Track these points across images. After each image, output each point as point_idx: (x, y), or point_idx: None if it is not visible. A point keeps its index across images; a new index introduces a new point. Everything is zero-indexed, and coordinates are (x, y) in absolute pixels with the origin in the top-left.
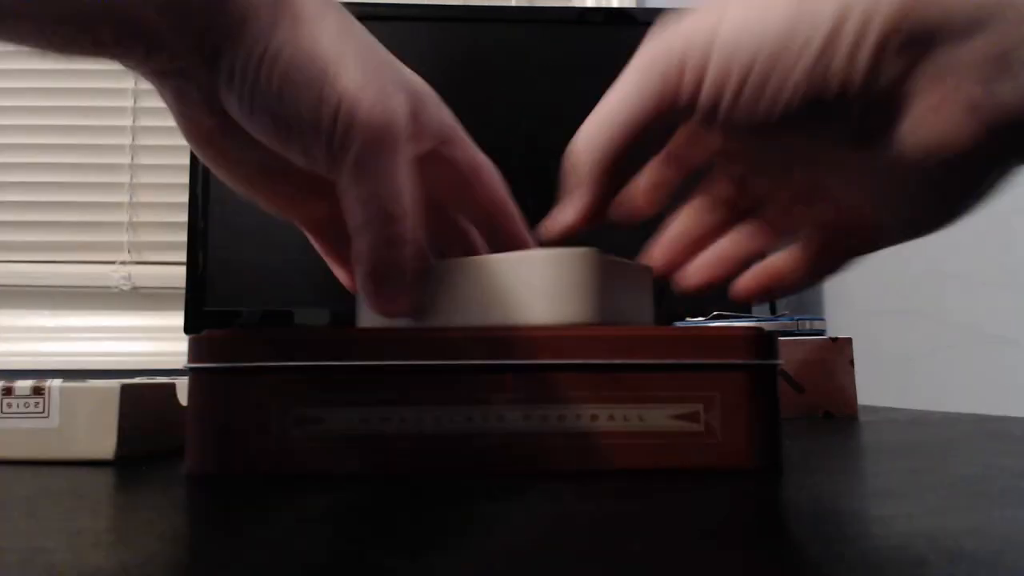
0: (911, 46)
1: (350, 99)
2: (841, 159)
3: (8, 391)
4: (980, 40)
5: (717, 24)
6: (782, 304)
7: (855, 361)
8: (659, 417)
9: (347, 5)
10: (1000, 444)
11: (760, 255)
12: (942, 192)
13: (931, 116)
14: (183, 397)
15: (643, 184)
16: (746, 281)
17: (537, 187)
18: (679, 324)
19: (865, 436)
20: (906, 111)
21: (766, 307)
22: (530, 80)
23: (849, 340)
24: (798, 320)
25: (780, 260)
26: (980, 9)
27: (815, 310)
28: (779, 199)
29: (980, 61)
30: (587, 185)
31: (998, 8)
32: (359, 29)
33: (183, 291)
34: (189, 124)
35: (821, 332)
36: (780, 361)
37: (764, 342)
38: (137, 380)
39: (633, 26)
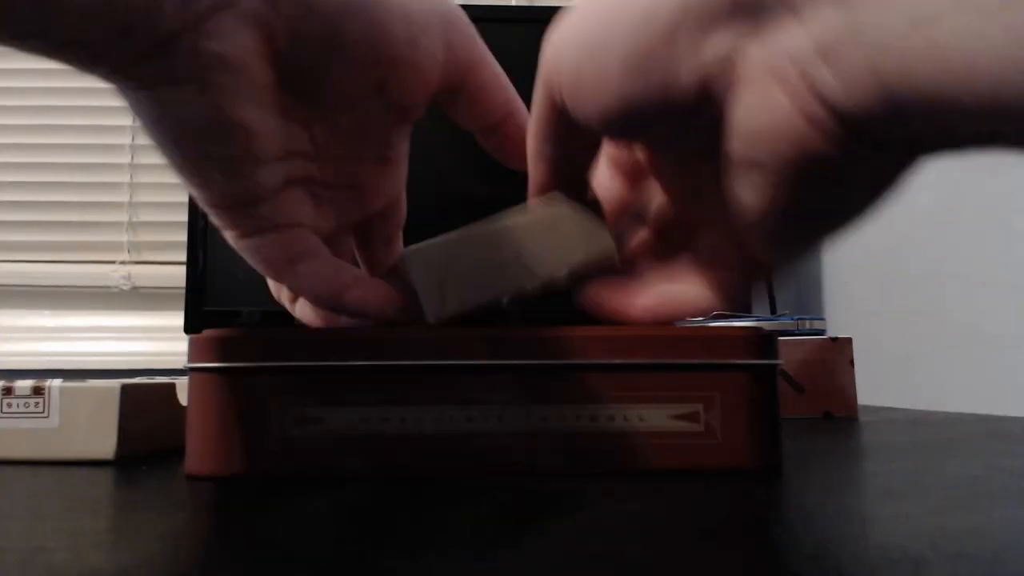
0: (738, 27)
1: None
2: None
3: (8, 391)
4: (813, 16)
5: (559, 37)
6: (782, 304)
7: (855, 361)
8: (659, 417)
9: None
10: (1000, 444)
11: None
12: (794, 184)
13: (756, 103)
14: (183, 397)
15: (598, 179)
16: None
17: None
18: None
19: (865, 436)
20: (735, 96)
21: (766, 307)
22: (530, 80)
23: (849, 340)
24: (798, 320)
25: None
26: None
27: (815, 310)
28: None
29: (806, 45)
30: (535, 170)
31: None
32: None
33: (183, 291)
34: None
35: (821, 332)
36: (780, 361)
37: (764, 342)
38: (137, 380)
39: None
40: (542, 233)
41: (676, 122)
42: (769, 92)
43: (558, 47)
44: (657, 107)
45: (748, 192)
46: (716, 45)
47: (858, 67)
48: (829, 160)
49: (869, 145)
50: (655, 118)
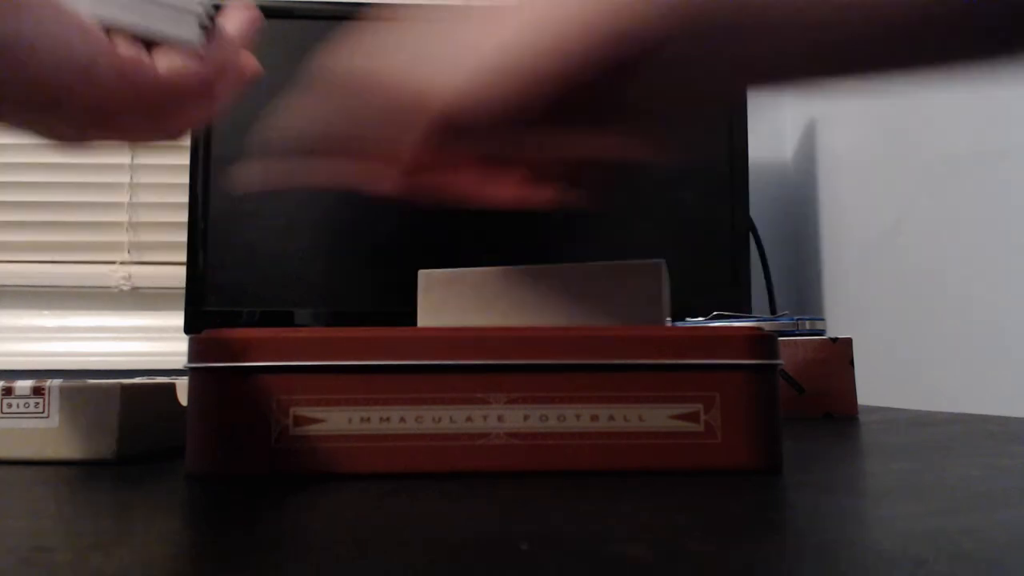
0: None
1: None
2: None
3: (8, 391)
4: None
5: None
6: (782, 304)
7: (855, 361)
8: (659, 417)
9: (342, 6)
10: (1000, 444)
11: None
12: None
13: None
14: (183, 397)
15: None
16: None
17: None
18: (679, 324)
19: (865, 436)
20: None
21: (766, 307)
22: None
23: (849, 340)
24: (798, 320)
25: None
26: None
27: (815, 310)
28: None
29: None
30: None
31: None
32: None
33: (183, 291)
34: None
35: (821, 332)
36: (780, 361)
37: (764, 342)
38: (137, 380)
39: None
40: None
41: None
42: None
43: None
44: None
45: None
46: None
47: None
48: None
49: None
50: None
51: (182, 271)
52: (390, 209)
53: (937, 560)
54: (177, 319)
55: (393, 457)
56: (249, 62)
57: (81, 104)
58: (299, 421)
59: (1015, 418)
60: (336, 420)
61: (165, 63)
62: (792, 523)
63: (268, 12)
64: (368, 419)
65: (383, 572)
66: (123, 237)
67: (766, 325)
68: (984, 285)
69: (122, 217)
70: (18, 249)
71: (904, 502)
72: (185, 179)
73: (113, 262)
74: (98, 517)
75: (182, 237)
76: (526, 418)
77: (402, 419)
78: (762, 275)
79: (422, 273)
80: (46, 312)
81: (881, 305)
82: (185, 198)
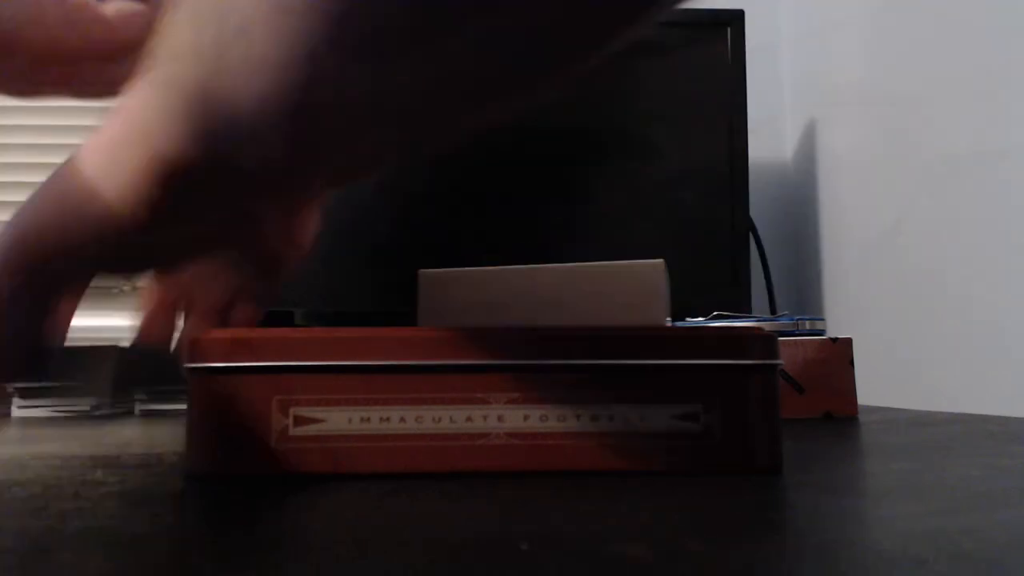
0: None
1: None
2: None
3: None
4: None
5: None
6: (782, 304)
7: (855, 361)
8: (659, 417)
9: None
10: (1000, 444)
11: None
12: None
13: None
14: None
15: None
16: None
17: (533, 185)
18: (679, 324)
19: (865, 436)
20: None
21: (766, 307)
22: None
23: (849, 340)
24: (798, 320)
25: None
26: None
27: (815, 310)
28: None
29: None
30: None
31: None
32: None
33: None
34: None
35: (821, 332)
36: (780, 361)
37: (764, 342)
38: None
39: None
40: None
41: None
42: None
43: None
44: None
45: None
46: None
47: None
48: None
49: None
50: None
51: None
52: (390, 209)
53: (937, 560)
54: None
55: (393, 457)
56: None
57: (28, 52)
58: (299, 421)
59: (1015, 418)
60: (336, 420)
61: (113, 6)
62: (792, 523)
63: None
64: (368, 419)
65: (383, 572)
66: None
67: (766, 325)
68: (984, 285)
69: None
70: None
71: (904, 502)
72: None
73: None
74: (98, 517)
75: None
76: (526, 418)
77: (402, 419)
78: (762, 275)
79: (422, 273)
80: None
81: (881, 305)
82: None
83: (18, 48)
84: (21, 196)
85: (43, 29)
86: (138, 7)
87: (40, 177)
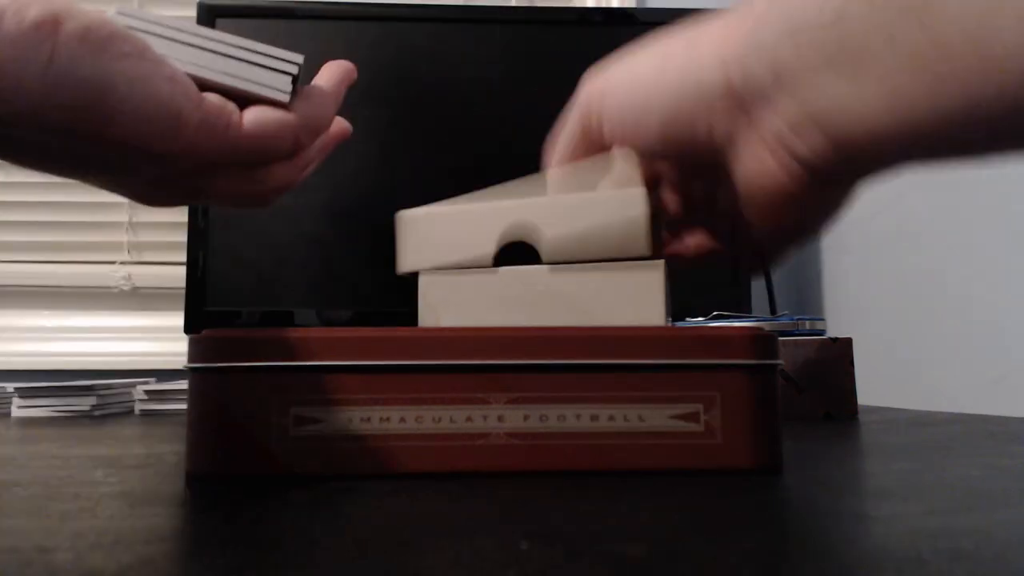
0: (735, 114)
1: None
2: (722, 180)
3: None
4: (783, 106)
5: (605, 83)
6: (782, 304)
7: (855, 361)
8: (659, 417)
9: (358, 6)
10: (1000, 444)
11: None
12: (785, 213)
13: (753, 163)
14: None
15: None
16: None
17: None
18: (679, 324)
19: (865, 436)
20: (737, 156)
21: (766, 307)
22: (531, 81)
23: (849, 340)
24: (798, 320)
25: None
26: (778, 81)
27: (815, 310)
28: (710, 210)
29: (782, 125)
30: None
31: (791, 81)
32: None
33: (183, 291)
34: None
35: (821, 332)
36: (780, 361)
37: (764, 342)
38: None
39: (633, 26)
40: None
41: (689, 157)
42: (760, 155)
43: (605, 95)
44: (681, 149)
45: (750, 214)
46: (722, 125)
47: (815, 134)
48: (799, 194)
49: (826, 182)
50: (677, 155)
51: (182, 271)
52: (390, 209)
53: (937, 560)
54: (177, 319)
55: (393, 457)
56: (339, 121)
57: (164, 159)
58: (299, 421)
59: (1015, 418)
60: (336, 420)
61: (252, 117)
62: (792, 523)
63: (268, 12)
64: (368, 419)
65: (383, 572)
66: (123, 237)
67: (766, 325)
68: (984, 285)
69: (122, 217)
70: (18, 249)
71: (904, 502)
72: None
73: (113, 262)
74: (98, 517)
75: (182, 237)
76: (526, 418)
77: (402, 419)
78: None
79: (422, 273)
80: (46, 312)
81: (881, 305)
82: None
83: (152, 154)
84: (21, 195)
85: (179, 136)
86: (280, 115)
87: (40, 177)
